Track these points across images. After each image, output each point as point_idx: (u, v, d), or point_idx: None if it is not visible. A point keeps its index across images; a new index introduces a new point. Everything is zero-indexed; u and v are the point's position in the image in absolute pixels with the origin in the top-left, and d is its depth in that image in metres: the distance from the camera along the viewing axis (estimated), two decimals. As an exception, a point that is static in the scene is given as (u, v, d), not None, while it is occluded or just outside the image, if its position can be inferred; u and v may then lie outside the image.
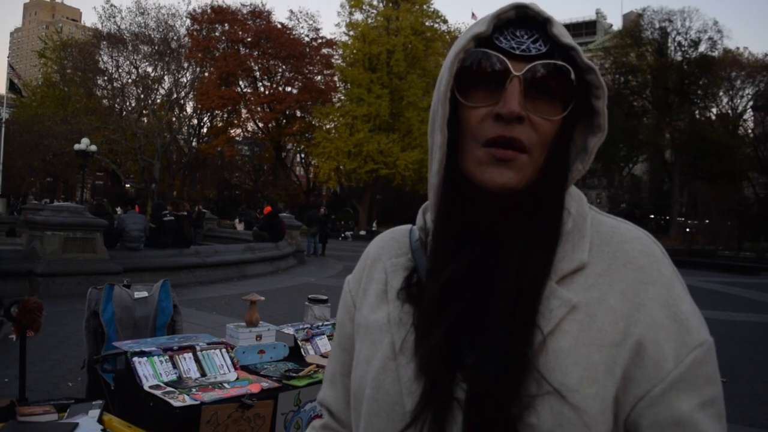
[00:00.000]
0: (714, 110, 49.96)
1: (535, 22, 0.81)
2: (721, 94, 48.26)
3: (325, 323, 3.44)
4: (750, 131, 49.93)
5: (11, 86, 38.22)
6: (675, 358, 0.75)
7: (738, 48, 54.86)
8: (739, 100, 49.20)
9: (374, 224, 42.99)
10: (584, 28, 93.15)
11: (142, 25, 44.38)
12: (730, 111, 49.41)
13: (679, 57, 46.35)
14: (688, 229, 42.79)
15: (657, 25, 46.76)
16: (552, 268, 0.80)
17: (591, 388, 0.74)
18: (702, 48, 45.58)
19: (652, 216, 54.64)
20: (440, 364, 0.79)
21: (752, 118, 50.48)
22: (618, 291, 0.78)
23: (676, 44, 46.60)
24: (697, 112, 48.99)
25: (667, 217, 50.54)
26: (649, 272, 0.80)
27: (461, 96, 0.81)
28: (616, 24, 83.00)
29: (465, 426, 0.75)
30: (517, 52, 0.78)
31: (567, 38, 0.79)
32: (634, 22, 50.39)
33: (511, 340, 0.75)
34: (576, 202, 0.86)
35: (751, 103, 48.90)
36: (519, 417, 0.73)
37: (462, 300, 0.80)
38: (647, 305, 0.77)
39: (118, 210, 17.08)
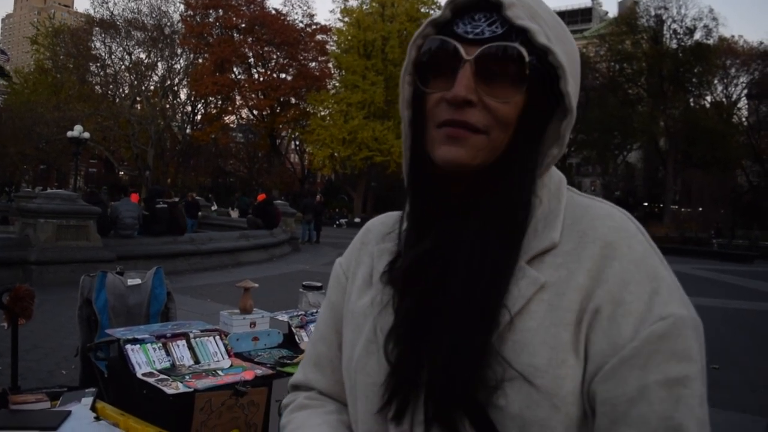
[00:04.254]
0: (708, 98, 50.01)
1: (496, 4, 0.79)
2: (715, 82, 48.31)
3: (319, 310, 3.43)
4: (744, 119, 50.04)
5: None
6: (632, 333, 0.72)
7: (733, 36, 54.73)
8: (733, 89, 49.30)
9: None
10: (580, 15, 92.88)
11: (136, 10, 44.20)
12: (724, 99, 49.45)
13: (674, 45, 46.33)
14: (681, 217, 42.94)
15: (652, 13, 46.68)
16: (520, 249, 0.79)
17: (560, 368, 0.73)
18: (697, 36, 45.59)
19: (646, 204, 54.79)
20: (403, 349, 0.80)
21: (746, 106, 50.58)
22: (585, 268, 0.77)
23: (671, 32, 46.54)
24: (691, 100, 48.97)
25: (661, 205, 50.67)
26: (617, 248, 0.77)
27: (422, 81, 0.83)
28: (612, 11, 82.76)
29: (428, 410, 0.76)
30: (470, 36, 0.78)
31: (522, 20, 0.77)
32: (629, 10, 50.28)
33: (470, 323, 0.75)
34: (554, 184, 0.86)
35: (745, 91, 48.98)
36: (487, 399, 0.73)
37: (426, 282, 0.80)
38: (609, 281, 0.75)
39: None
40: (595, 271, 0.76)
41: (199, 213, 20.47)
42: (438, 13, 0.84)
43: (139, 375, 2.44)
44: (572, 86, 0.79)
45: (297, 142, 54.16)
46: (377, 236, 0.97)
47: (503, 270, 0.77)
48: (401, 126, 0.89)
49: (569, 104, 0.80)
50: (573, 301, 0.76)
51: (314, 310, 3.40)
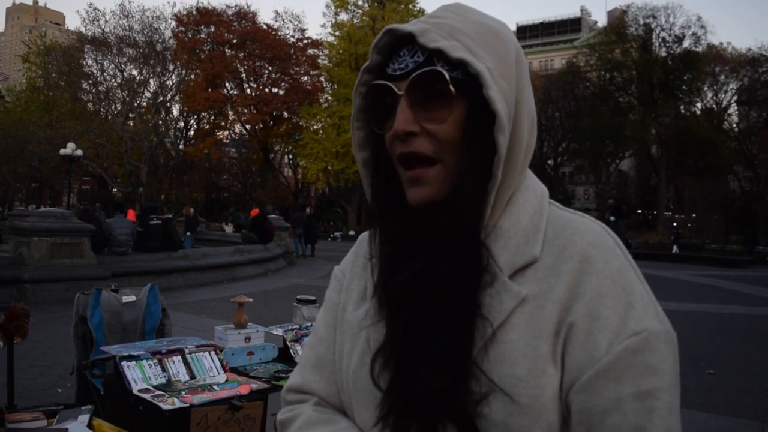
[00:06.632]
0: (699, 105, 50.36)
1: (411, 36, 0.83)
2: (705, 89, 48.62)
3: (314, 324, 3.43)
4: (734, 125, 50.32)
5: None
6: (607, 347, 0.75)
7: (721, 43, 55.38)
8: (723, 95, 49.62)
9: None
10: (569, 26, 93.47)
11: (127, 28, 44.20)
12: (714, 106, 49.75)
13: (663, 53, 46.69)
14: (675, 224, 43.07)
15: (641, 22, 47.05)
16: (489, 261, 0.82)
17: (540, 378, 0.76)
18: (686, 44, 46.00)
19: (640, 211, 54.94)
20: (393, 366, 0.83)
21: (736, 112, 50.88)
22: (564, 282, 0.79)
23: (660, 40, 46.93)
24: (682, 107, 49.31)
25: (655, 212, 50.82)
26: (595, 263, 0.80)
27: (378, 124, 0.87)
28: (601, 21, 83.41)
29: (418, 421, 0.79)
30: (398, 72, 0.83)
31: (436, 42, 0.81)
32: (618, 19, 50.69)
33: (454, 338, 0.78)
34: (536, 198, 0.88)
35: (735, 97, 49.30)
36: (473, 409, 0.77)
37: (413, 302, 0.83)
38: (586, 295, 0.78)
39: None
40: (573, 285, 0.79)
41: (198, 228, 20.48)
42: (368, 60, 0.88)
43: (135, 391, 2.44)
44: (499, 89, 0.80)
45: (290, 156, 54.19)
46: (367, 251, 0.99)
47: (477, 284, 0.80)
48: (358, 166, 0.95)
49: (494, 109, 0.79)
50: (552, 313, 0.78)
51: (308, 324, 3.40)
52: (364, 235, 1.04)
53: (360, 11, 44.02)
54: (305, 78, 49.11)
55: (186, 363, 2.69)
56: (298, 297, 3.70)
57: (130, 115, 45.86)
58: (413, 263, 0.84)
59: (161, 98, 46.58)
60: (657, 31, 46.86)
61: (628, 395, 0.73)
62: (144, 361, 2.59)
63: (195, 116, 50.55)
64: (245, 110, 47.98)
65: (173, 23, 47.14)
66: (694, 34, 45.72)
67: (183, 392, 2.45)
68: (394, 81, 0.83)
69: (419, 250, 0.84)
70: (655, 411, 0.73)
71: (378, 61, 0.87)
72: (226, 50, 48.31)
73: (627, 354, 0.74)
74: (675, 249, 31.42)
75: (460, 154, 0.81)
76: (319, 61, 47.63)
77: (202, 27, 48.08)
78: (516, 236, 0.84)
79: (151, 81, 46.20)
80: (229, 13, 48.30)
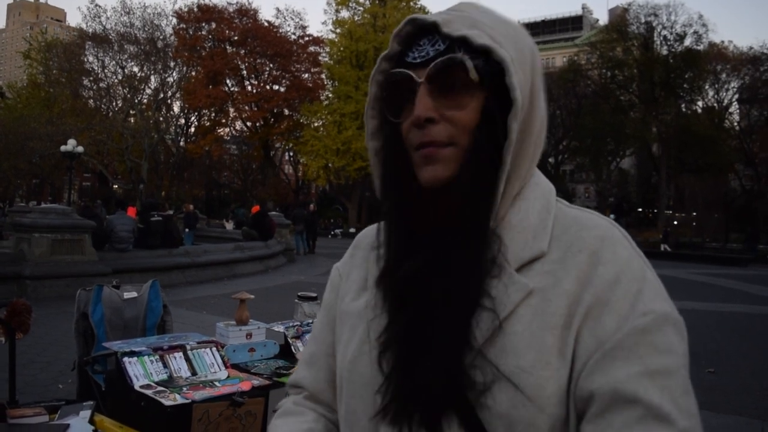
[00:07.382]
0: (700, 104, 50.16)
1: (434, 26, 0.85)
2: (706, 87, 48.44)
3: (315, 320, 3.43)
4: (736, 124, 50.21)
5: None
6: (615, 329, 0.75)
7: (723, 41, 55.05)
8: (724, 93, 49.41)
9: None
10: (570, 23, 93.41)
11: (128, 24, 44.12)
12: (715, 104, 49.59)
13: (665, 51, 46.51)
14: (675, 222, 43.05)
15: (643, 20, 46.87)
16: (498, 251, 0.82)
17: (545, 370, 0.76)
18: (687, 42, 45.75)
19: (640, 209, 54.89)
20: (397, 356, 0.84)
21: (738, 110, 50.77)
22: (573, 276, 0.80)
23: (661, 38, 46.74)
24: (683, 105, 49.14)
25: (655, 210, 50.77)
26: (603, 254, 0.81)
27: (394, 113, 0.87)
28: (602, 19, 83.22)
29: (419, 411, 0.80)
30: (418, 60, 0.85)
31: (459, 30, 0.82)
32: (620, 17, 50.51)
33: (460, 329, 0.79)
34: (543, 196, 0.89)
35: (736, 96, 49.18)
36: (476, 399, 0.77)
37: (419, 293, 0.83)
38: (596, 285, 0.79)
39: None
40: (582, 277, 0.80)
41: (197, 225, 20.49)
42: (388, 49, 0.90)
43: (136, 387, 2.44)
44: (518, 79, 0.81)
45: (291, 153, 54.19)
46: (369, 244, 1.00)
47: (486, 275, 0.81)
48: (369, 156, 0.95)
49: (513, 96, 0.80)
50: (560, 306, 0.79)
51: (310, 321, 3.41)
52: (362, 233, 1.07)
53: (361, 8, 43.97)
54: (306, 75, 49.02)
55: (187, 359, 2.70)
56: (299, 294, 3.70)
57: (131, 111, 45.81)
58: (420, 254, 0.85)
59: (162, 95, 46.52)
60: (658, 30, 46.68)
61: (637, 373, 0.73)
62: (145, 357, 2.60)
63: (196, 113, 50.49)
64: (246, 107, 47.95)
65: (174, 20, 47.09)
66: (695, 32, 45.56)
67: (184, 388, 2.46)
68: (413, 69, 0.84)
69: (426, 241, 0.85)
70: (666, 389, 0.72)
71: (397, 50, 0.88)
72: (227, 47, 48.23)
73: (634, 333, 0.75)
74: (663, 247, 31.26)
75: (473, 137, 0.82)
76: (320, 58, 47.55)
77: (203, 24, 47.99)
78: (524, 231, 0.85)
79: (152, 78, 46.21)
80: (230, 10, 48.21)
